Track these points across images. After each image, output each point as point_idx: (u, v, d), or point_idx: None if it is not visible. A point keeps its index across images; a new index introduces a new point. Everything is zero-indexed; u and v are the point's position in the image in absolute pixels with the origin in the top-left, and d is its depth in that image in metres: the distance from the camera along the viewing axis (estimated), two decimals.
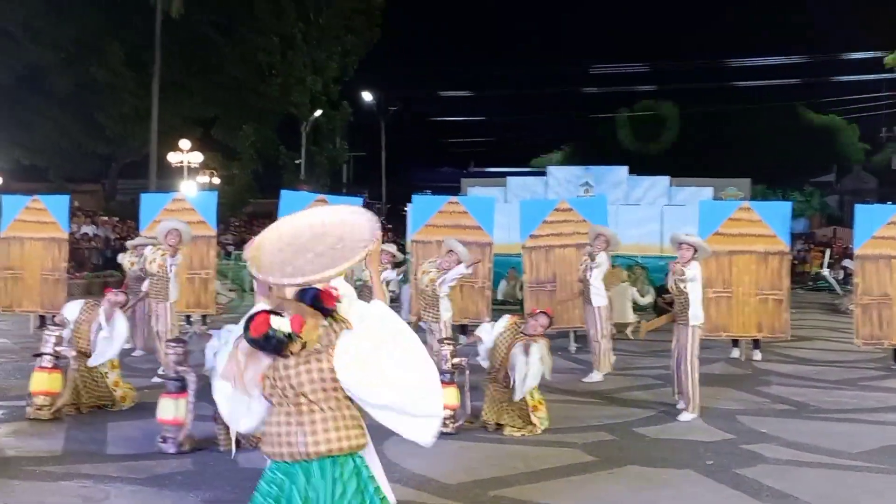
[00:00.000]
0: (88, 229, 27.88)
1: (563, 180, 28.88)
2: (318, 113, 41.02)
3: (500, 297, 20.91)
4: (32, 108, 34.87)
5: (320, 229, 4.05)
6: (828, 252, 29.26)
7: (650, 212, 25.95)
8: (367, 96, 50.62)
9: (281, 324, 3.63)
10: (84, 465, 7.23)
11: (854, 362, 13.39)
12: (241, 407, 3.91)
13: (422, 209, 15.38)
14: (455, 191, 31.05)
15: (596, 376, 11.43)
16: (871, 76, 40.16)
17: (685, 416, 9.08)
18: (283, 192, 15.72)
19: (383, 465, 7.10)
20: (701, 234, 12.75)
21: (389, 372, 3.73)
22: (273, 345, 3.65)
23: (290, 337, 3.64)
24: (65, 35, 33.67)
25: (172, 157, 27.34)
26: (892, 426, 9.05)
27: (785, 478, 7.05)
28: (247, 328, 3.66)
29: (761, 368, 12.65)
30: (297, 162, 39.19)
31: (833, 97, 52.99)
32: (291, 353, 3.70)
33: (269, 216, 43.50)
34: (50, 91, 34.53)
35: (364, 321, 3.84)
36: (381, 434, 8.01)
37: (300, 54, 39.21)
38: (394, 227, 40.70)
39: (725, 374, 12.05)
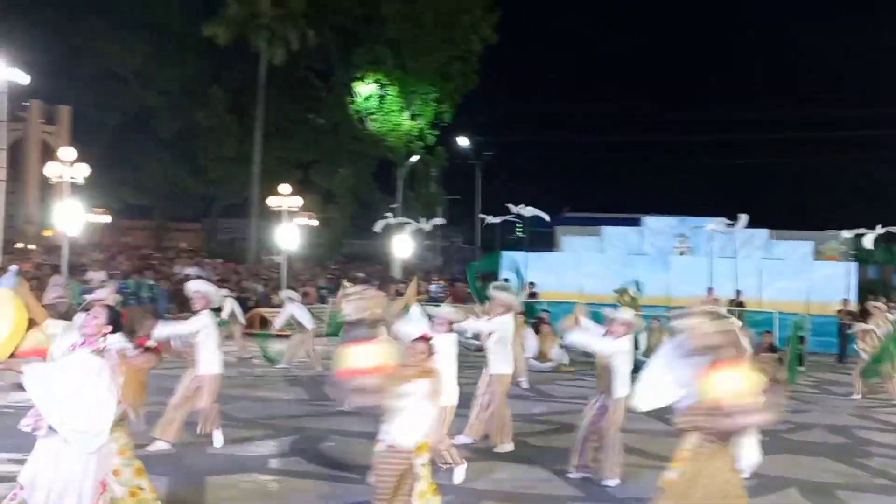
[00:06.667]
0: (191, 270, 28.58)
1: (657, 231, 28.64)
2: (415, 158, 41.46)
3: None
4: (140, 150, 36.27)
5: None
6: None
7: (747, 265, 25.58)
8: (462, 141, 50.92)
9: None
10: None
11: None
12: None
13: None
14: (549, 236, 31.14)
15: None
16: None
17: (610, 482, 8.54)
18: None
19: None
20: None
21: None
22: None
23: None
24: (171, 80, 35.00)
25: (272, 201, 27.96)
26: None
27: None
28: None
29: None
30: (392, 206, 39.72)
31: None
32: None
33: (366, 258, 44.21)
34: (156, 133, 35.86)
35: None
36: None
37: (396, 100, 39.79)
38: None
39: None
